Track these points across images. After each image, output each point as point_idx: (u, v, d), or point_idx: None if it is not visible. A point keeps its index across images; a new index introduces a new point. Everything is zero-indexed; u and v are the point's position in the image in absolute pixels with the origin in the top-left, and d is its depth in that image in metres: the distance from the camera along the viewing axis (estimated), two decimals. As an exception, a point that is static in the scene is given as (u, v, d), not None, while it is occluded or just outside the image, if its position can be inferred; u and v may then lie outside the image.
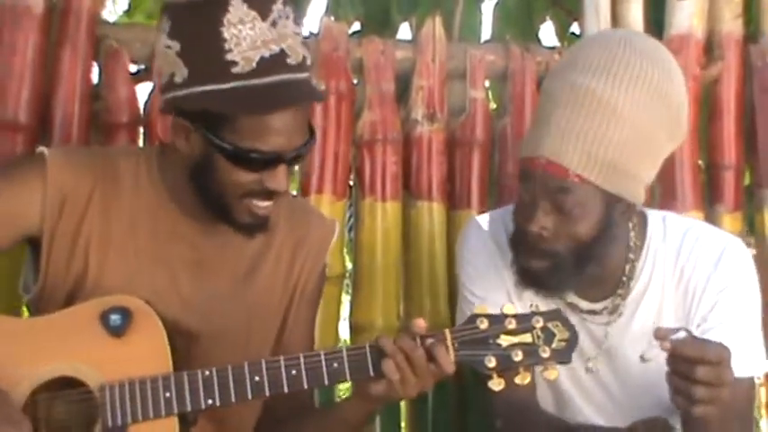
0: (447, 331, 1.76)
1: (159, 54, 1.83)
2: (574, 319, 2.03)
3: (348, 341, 2.66)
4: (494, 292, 2.07)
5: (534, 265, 1.94)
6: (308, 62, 1.81)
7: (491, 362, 1.73)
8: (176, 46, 1.76)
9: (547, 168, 1.88)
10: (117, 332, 1.74)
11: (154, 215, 1.92)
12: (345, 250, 2.68)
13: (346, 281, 2.69)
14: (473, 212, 2.56)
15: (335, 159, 2.53)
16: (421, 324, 1.76)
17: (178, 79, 1.77)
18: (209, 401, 1.75)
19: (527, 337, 1.74)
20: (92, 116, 2.40)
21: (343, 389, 4.00)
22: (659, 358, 1.80)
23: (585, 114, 1.86)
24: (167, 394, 1.74)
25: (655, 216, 2.10)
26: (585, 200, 1.87)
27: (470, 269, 2.12)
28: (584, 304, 2.05)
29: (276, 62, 1.75)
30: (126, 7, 3.31)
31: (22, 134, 2.31)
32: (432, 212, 2.58)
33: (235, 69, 1.73)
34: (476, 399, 2.50)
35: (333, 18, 2.65)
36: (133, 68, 2.48)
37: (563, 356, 1.75)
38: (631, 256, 2.03)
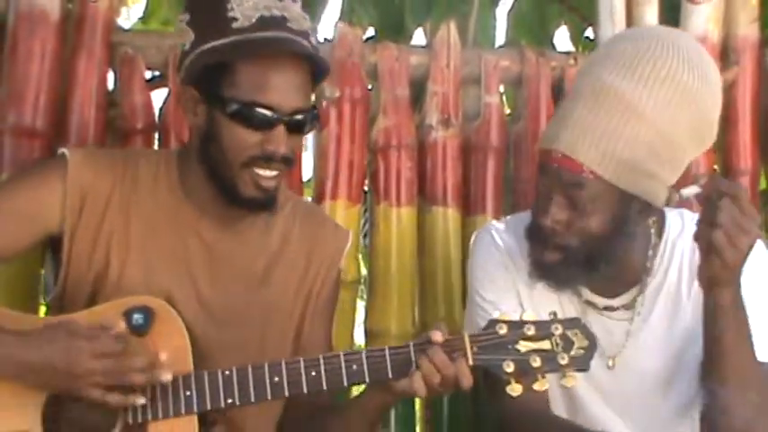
0: (466, 335, 1.77)
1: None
2: (594, 316, 2.03)
3: (363, 347, 2.65)
4: (504, 296, 2.07)
5: (547, 257, 1.95)
6: (312, 39, 1.86)
7: (509, 366, 1.74)
8: (187, 17, 1.86)
9: (561, 163, 1.88)
10: (139, 331, 1.75)
11: (173, 215, 1.94)
12: (360, 256, 2.68)
13: (361, 287, 2.69)
14: (488, 218, 2.56)
15: (350, 165, 2.53)
16: (438, 337, 1.76)
17: (187, 46, 1.85)
18: (229, 401, 1.76)
19: (546, 344, 1.75)
20: (107, 122, 2.42)
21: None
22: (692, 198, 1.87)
23: (605, 111, 1.86)
24: (187, 393, 1.75)
25: (672, 212, 2.09)
26: (599, 196, 1.87)
27: (481, 273, 2.12)
28: (601, 301, 2.05)
29: (276, 22, 1.83)
30: (141, 14, 3.32)
31: (38, 140, 2.32)
32: (446, 218, 2.58)
33: (235, 24, 1.80)
34: (491, 408, 2.49)
35: (347, 24, 2.65)
36: (148, 75, 2.49)
37: (581, 364, 1.75)
38: (650, 252, 2.03)
